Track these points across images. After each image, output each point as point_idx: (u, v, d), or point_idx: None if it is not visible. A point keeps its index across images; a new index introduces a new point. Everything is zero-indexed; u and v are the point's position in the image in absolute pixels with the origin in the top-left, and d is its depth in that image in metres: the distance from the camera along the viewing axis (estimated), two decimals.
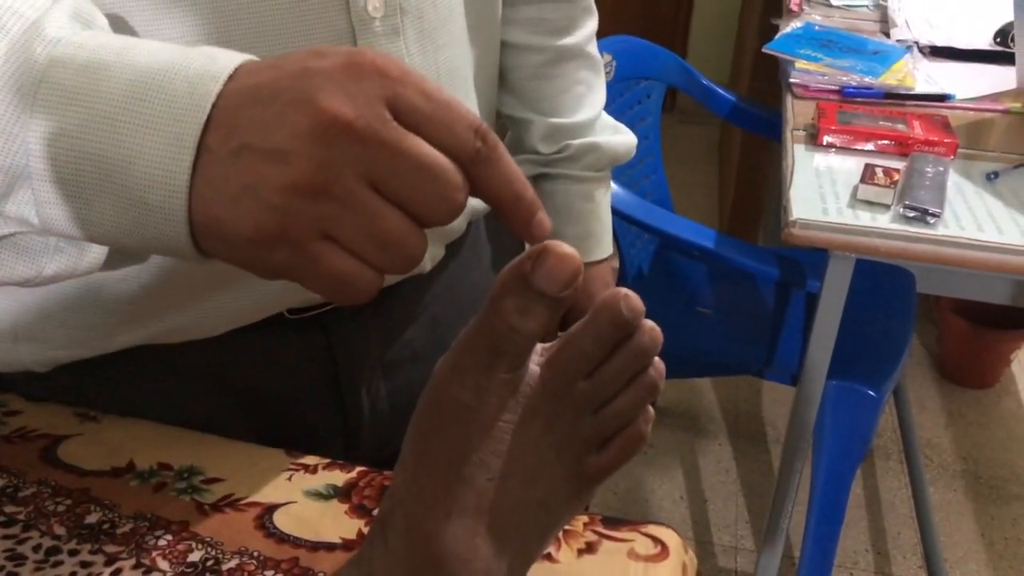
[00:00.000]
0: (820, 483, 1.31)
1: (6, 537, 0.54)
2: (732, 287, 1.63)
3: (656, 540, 0.56)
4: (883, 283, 1.52)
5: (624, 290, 0.40)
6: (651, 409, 0.43)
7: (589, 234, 0.83)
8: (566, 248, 0.37)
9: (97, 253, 0.41)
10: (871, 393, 1.27)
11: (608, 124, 0.83)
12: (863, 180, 1.07)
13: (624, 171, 1.65)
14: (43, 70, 0.34)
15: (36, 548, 0.53)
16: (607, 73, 1.55)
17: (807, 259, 1.37)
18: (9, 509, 0.56)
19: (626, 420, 0.42)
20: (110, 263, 0.41)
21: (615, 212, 1.39)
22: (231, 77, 0.34)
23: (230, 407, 0.65)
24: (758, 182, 2.45)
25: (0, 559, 0.52)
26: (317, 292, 0.35)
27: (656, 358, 0.42)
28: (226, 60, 0.35)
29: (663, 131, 1.80)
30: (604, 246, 0.86)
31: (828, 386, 1.22)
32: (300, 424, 0.67)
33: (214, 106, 0.34)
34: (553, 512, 0.41)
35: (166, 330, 0.60)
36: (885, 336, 1.40)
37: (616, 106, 1.60)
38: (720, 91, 1.80)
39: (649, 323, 0.41)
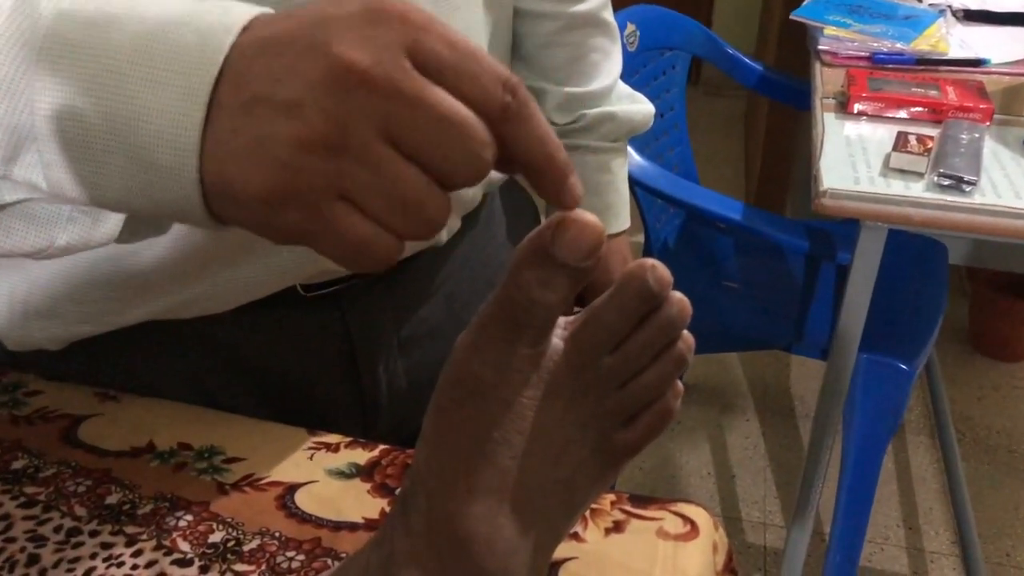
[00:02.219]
0: (851, 458, 1.29)
1: (27, 518, 0.53)
2: (760, 260, 1.60)
3: (686, 519, 0.54)
4: (915, 255, 1.49)
5: (651, 261, 0.38)
6: (680, 383, 0.41)
7: (607, 206, 0.81)
8: (588, 216, 0.35)
9: (112, 223, 0.39)
10: (903, 367, 1.25)
11: (625, 93, 0.81)
12: (896, 148, 1.04)
13: (648, 143, 1.63)
14: (49, 24, 0.32)
15: (57, 529, 0.53)
16: (630, 44, 1.52)
17: (837, 231, 1.34)
18: (30, 490, 0.55)
19: (654, 395, 0.40)
20: (126, 234, 0.39)
21: (640, 184, 1.37)
22: (245, 29, 0.32)
23: (247, 386, 0.64)
24: (785, 154, 2.41)
25: (22, 540, 0.52)
26: (332, 259, 0.32)
27: (685, 331, 0.40)
28: (241, 11, 0.32)
29: (688, 103, 1.77)
30: (622, 219, 0.84)
31: (859, 360, 1.19)
32: (318, 403, 0.67)
33: (226, 59, 0.31)
34: (579, 490, 0.40)
35: (178, 304, 0.59)
36: (917, 309, 1.37)
37: (639, 77, 1.57)
38: (747, 60, 1.76)
39: (677, 295, 0.39)
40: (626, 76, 1.55)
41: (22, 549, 0.51)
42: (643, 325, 0.39)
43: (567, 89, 0.76)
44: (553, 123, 0.78)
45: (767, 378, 2.10)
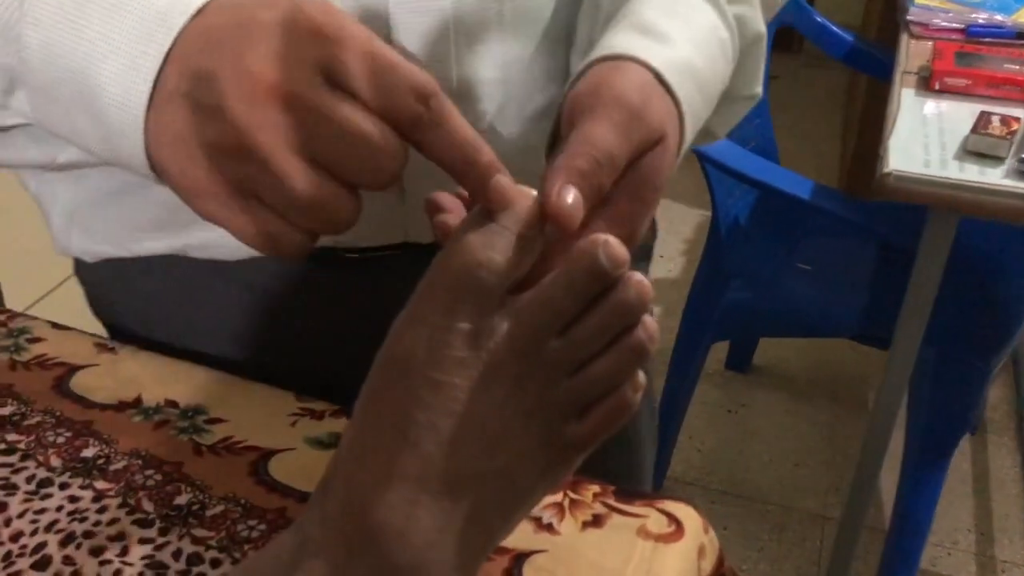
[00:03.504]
0: (912, 456, 1.22)
1: (4, 465, 0.53)
2: (835, 243, 1.52)
3: (672, 518, 0.51)
4: (1003, 244, 1.38)
5: (605, 236, 0.35)
6: (641, 375, 0.38)
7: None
8: (524, 190, 0.35)
9: None
10: (977, 364, 1.17)
11: None
12: (975, 129, 0.96)
13: None
14: None
15: (29, 479, 0.52)
16: None
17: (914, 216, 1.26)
18: (11, 437, 0.55)
19: (608, 387, 0.37)
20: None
21: (704, 157, 1.31)
22: (199, 12, 0.33)
23: (277, 335, 0.63)
24: (882, 132, 2.28)
25: None
26: (248, 246, 0.34)
27: (648, 318, 0.37)
28: None
29: (787, 75, 1.69)
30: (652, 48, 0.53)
31: (927, 354, 1.12)
32: (342, 363, 0.64)
33: (174, 42, 0.33)
34: (519, 485, 0.37)
35: (192, 244, 0.59)
36: (998, 303, 1.28)
37: None
38: (836, 30, 1.66)
39: (636, 276, 0.35)
40: None
41: None
42: (595, 307, 0.35)
43: None
44: None
45: (843, 367, 2.01)
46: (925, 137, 0.98)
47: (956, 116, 1.03)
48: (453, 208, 0.38)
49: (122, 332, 0.67)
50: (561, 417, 0.37)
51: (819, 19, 1.63)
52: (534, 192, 0.36)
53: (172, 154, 0.33)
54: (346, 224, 0.34)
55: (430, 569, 0.34)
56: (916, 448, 1.23)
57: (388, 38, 0.49)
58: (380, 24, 0.49)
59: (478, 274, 0.34)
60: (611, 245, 0.34)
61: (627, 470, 0.53)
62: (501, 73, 0.52)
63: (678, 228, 2.56)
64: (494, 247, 0.35)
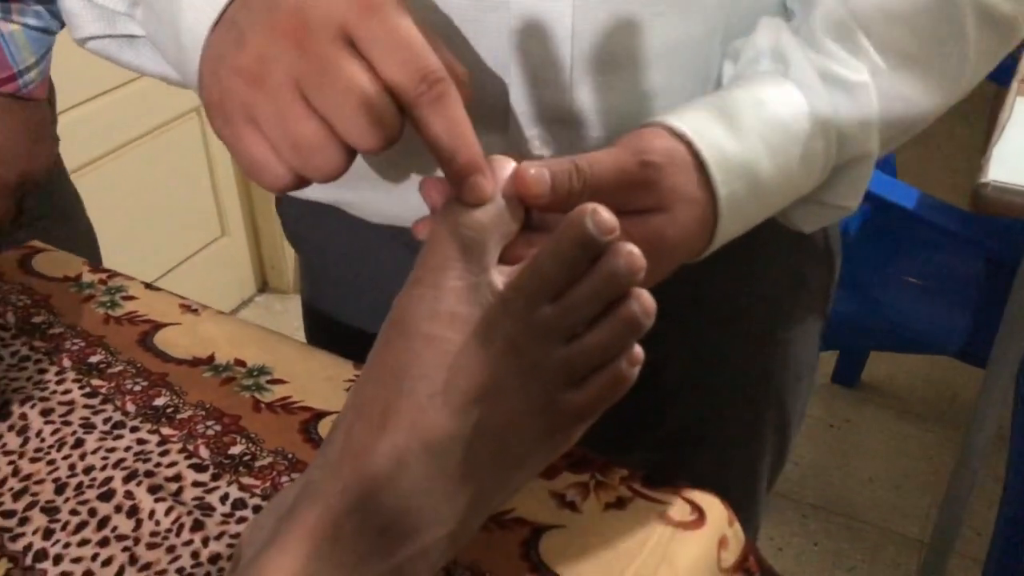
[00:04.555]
0: (1012, 484, 1.16)
1: (86, 407, 0.59)
2: (946, 258, 1.46)
3: (695, 507, 0.51)
4: None
5: (593, 205, 0.36)
6: (638, 350, 0.39)
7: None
8: (506, 160, 0.39)
9: None
10: None
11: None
12: None
13: None
14: None
15: (106, 421, 0.58)
16: None
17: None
18: (95, 382, 0.61)
19: (604, 357, 0.38)
20: None
21: None
22: None
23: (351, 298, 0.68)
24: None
25: (75, 425, 0.57)
26: (238, 165, 0.39)
27: (644, 292, 0.38)
28: None
29: None
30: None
31: None
32: None
33: None
34: (514, 447, 0.38)
35: (344, 200, 0.61)
36: None
37: None
38: None
39: (627, 246, 0.36)
40: None
41: (73, 433, 0.57)
42: (586, 275, 0.37)
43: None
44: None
45: (957, 388, 1.92)
46: None
47: None
48: (444, 193, 0.40)
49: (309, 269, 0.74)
50: (558, 385, 0.38)
51: None
52: (535, 170, 0.38)
53: (205, 71, 0.38)
54: (328, 175, 0.37)
55: (417, 515, 0.36)
56: (1014, 476, 1.17)
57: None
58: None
59: (462, 232, 0.37)
60: (599, 213, 0.36)
61: (744, 499, 0.54)
62: (624, 103, 0.50)
63: None
64: (483, 209, 0.38)
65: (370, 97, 0.35)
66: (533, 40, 0.48)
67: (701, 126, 0.43)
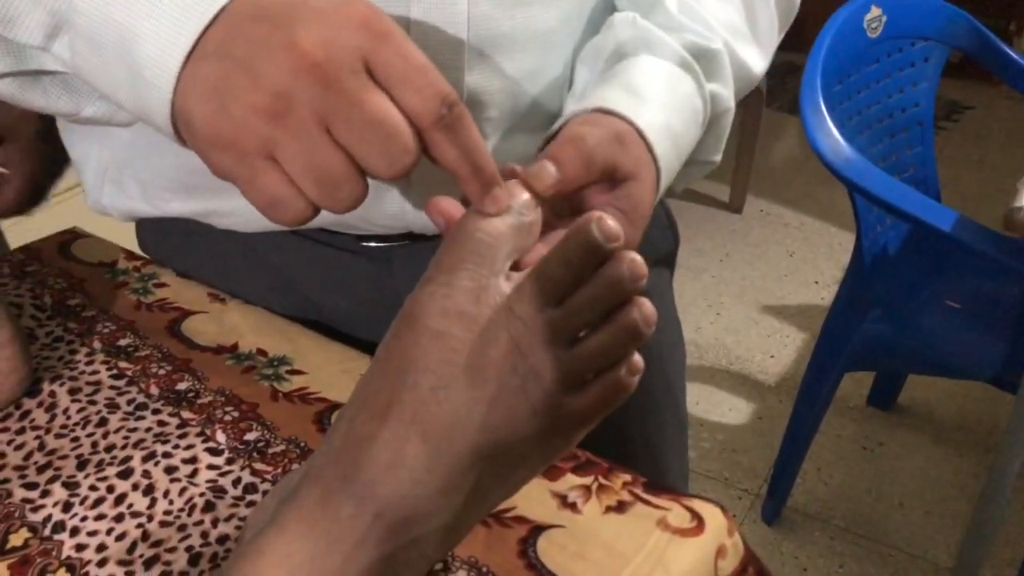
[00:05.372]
0: None
1: (111, 387, 0.61)
2: (986, 283, 1.44)
3: (694, 514, 0.52)
4: None
5: (599, 213, 0.37)
6: (638, 358, 0.39)
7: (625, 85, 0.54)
8: (540, 171, 0.42)
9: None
10: None
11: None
12: None
13: (881, 138, 1.50)
14: None
15: (130, 402, 0.60)
16: (871, 30, 1.41)
17: None
18: (123, 364, 0.63)
19: (604, 363, 0.39)
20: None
21: (854, 186, 1.26)
22: None
23: (302, 313, 0.68)
24: None
25: (100, 404, 0.59)
26: (251, 202, 0.38)
27: (645, 301, 0.38)
28: None
29: (984, 105, 1.60)
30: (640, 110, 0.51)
31: None
32: (364, 345, 0.69)
33: (223, 9, 0.37)
34: (514, 447, 0.39)
35: (211, 210, 0.64)
36: None
37: (879, 67, 1.45)
38: (1020, 60, 1.57)
39: (630, 254, 0.37)
40: (864, 64, 1.45)
41: (98, 412, 0.59)
42: (590, 280, 0.38)
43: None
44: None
45: (993, 414, 1.89)
46: None
47: None
48: (454, 212, 0.41)
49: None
50: (560, 388, 0.39)
51: (1002, 47, 1.54)
52: (542, 172, 0.40)
53: (203, 106, 0.36)
54: (352, 206, 0.37)
55: (414, 505, 0.37)
56: None
57: None
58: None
59: (477, 236, 0.38)
60: (605, 220, 0.37)
61: (651, 476, 0.55)
62: (510, 83, 0.56)
63: (838, 255, 2.47)
64: (493, 220, 0.39)
65: (397, 126, 0.36)
66: (432, 27, 0.52)
67: (625, 103, 0.49)
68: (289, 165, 0.36)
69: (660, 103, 0.50)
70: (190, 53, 0.37)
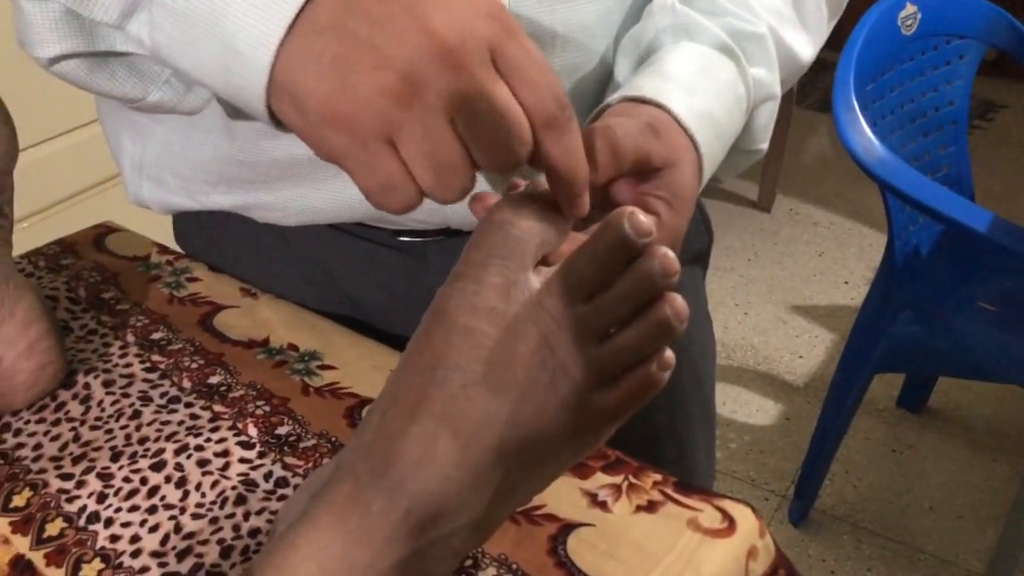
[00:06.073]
0: None
1: (145, 380, 0.61)
2: (1021, 284, 1.42)
3: (726, 515, 0.51)
4: None
5: (631, 208, 0.37)
6: (670, 353, 0.39)
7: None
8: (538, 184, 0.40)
9: (200, 97, 0.45)
10: None
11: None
12: None
13: (915, 137, 1.49)
14: None
15: (163, 395, 0.60)
16: (906, 27, 1.39)
17: None
18: (156, 358, 0.63)
19: (635, 359, 0.38)
20: (230, 110, 0.46)
21: (886, 185, 1.25)
22: None
23: (337, 306, 0.69)
24: None
25: (134, 397, 0.60)
26: (360, 186, 0.37)
27: (677, 297, 0.38)
28: None
29: (1019, 104, 1.58)
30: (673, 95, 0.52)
31: None
32: (397, 340, 0.69)
33: None
34: (543, 442, 0.39)
35: (252, 204, 0.64)
36: None
37: (913, 64, 1.44)
38: None
39: (662, 249, 0.37)
40: (897, 62, 1.43)
41: (132, 405, 0.59)
42: (621, 276, 0.38)
43: None
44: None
45: None
46: None
47: None
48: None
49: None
50: (589, 384, 0.39)
51: None
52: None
53: (319, 83, 0.35)
54: (458, 197, 0.37)
55: (443, 501, 0.37)
56: None
57: None
58: None
59: (507, 230, 0.38)
60: (636, 215, 0.36)
61: (679, 473, 0.54)
62: None
63: (868, 255, 2.45)
64: (523, 211, 0.39)
65: (518, 119, 0.36)
66: None
67: (653, 87, 0.49)
68: (407, 150, 0.35)
69: (696, 87, 0.49)
70: (291, 27, 0.35)
